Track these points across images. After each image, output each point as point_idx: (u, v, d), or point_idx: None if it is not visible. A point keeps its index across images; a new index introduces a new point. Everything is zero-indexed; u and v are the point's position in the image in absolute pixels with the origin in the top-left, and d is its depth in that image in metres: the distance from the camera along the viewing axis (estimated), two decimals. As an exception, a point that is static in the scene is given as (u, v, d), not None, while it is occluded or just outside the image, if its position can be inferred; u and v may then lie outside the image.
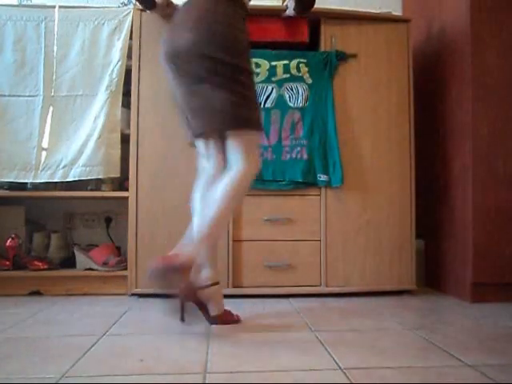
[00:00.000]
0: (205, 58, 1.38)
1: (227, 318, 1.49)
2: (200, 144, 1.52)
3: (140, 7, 1.92)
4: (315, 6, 1.80)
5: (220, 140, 1.48)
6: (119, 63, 1.99)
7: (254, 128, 1.45)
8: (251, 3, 1.83)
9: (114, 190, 2.07)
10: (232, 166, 1.44)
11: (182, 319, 1.35)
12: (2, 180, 1.98)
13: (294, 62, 1.95)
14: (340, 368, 1.06)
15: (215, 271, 1.49)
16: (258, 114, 1.47)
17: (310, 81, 1.95)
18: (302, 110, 1.95)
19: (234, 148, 1.43)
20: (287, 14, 1.90)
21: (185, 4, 1.49)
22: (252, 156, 1.44)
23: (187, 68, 1.41)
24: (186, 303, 1.35)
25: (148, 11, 1.86)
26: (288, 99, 1.95)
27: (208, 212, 1.40)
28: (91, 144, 1.94)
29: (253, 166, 1.44)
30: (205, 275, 1.46)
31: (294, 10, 1.85)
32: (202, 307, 1.45)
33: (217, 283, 1.48)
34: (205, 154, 1.53)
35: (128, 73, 1.98)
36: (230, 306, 1.75)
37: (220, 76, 1.38)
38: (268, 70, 1.94)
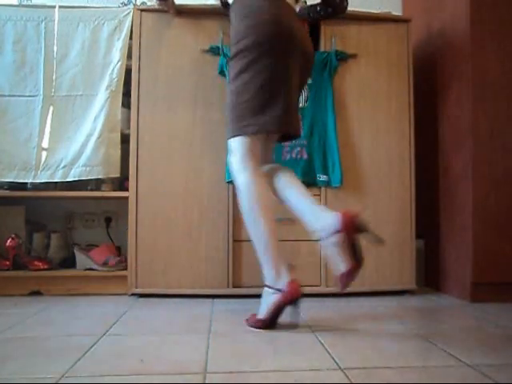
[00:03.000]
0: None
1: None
2: (262, 139, 1.52)
3: (140, 7, 1.92)
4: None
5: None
6: (119, 63, 1.99)
7: None
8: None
9: (114, 190, 2.07)
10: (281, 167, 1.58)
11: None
12: (2, 180, 1.98)
13: (294, 62, 1.95)
14: (340, 368, 1.06)
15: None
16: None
17: (309, 81, 1.95)
18: (301, 110, 1.94)
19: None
20: (312, 18, 1.83)
21: None
22: None
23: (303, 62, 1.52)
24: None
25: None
26: (288, 99, 1.94)
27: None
28: (91, 144, 1.94)
29: None
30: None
31: (319, 13, 1.78)
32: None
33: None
34: (260, 150, 1.52)
35: (128, 73, 1.98)
36: (231, 306, 1.76)
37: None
38: (268, 69, 1.94)
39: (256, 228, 1.43)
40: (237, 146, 1.48)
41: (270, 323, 1.40)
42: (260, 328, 1.40)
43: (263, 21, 1.42)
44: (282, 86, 1.45)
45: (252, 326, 1.42)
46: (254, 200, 1.43)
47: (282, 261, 1.40)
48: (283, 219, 1.92)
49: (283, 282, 1.36)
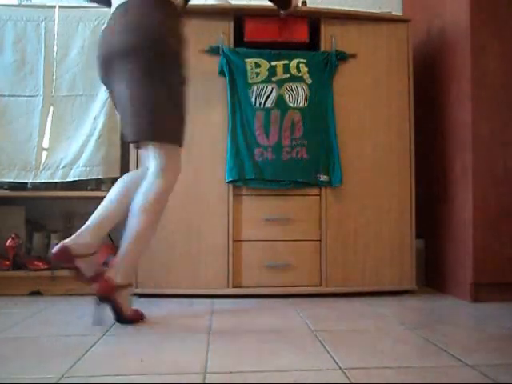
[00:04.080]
0: (136, 62, 1.39)
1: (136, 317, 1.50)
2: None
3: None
4: (315, 5, 1.80)
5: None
6: (119, 63, 1.99)
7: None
8: (252, 3, 1.84)
9: (114, 190, 2.07)
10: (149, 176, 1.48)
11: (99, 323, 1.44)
12: (2, 180, 1.98)
13: (293, 62, 1.95)
14: (340, 368, 1.06)
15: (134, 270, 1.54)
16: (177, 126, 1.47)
17: (309, 81, 1.95)
18: (301, 110, 1.94)
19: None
20: (282, 14, 1.89)
21: (119, 8, 1.45)
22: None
23: (120, 70, 1.42)
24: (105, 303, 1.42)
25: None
26: (288, 99, 1.95)
27: (130, 228, 1.45)
28: (91, 144, 1.94)
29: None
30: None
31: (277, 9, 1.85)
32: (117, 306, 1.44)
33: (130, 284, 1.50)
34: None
35: (128, 73, 1.97)
36: (231, 306, 1.75)
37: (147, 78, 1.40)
38: (268, 69, 1.94)
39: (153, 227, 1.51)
40: None
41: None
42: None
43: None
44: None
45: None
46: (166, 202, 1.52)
47: None
48: (283, 219, 1.93)
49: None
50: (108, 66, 1.45)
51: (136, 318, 1.49)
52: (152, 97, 1.41)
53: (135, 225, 1.44)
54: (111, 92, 1.52)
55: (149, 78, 1.40)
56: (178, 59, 1.46)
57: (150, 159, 1.50)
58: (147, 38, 1.39)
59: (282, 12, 1.88)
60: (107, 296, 1.40)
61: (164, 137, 1.48)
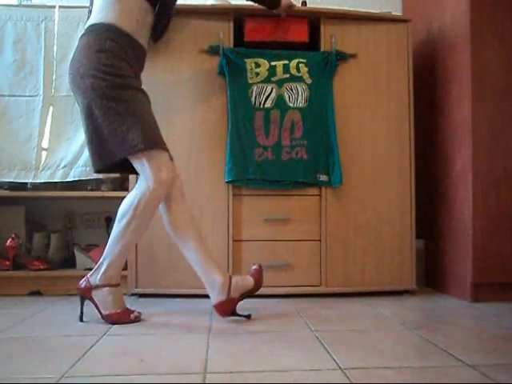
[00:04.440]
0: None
1: (120, 318, 1.51)
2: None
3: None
4: (315, 5, 1.80)
5: None
6: (119, 63, 1.99)
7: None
8: (252, 3, 1.84)
9: (114, 190, 2.07)
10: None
11: (81, 319, 1.52)
12: (2, 180, 1.98)
13: (293, 62, 1.95)
14: (340, 368, 1.06)
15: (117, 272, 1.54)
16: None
17: (309, 81, 1.95)
18: (301, 110, 1.94)
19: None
20: (282, 14, 1.90)
21: None
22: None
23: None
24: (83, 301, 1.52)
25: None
26: (288, 99, 1.95)
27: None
28: (91, 144, 1.94)
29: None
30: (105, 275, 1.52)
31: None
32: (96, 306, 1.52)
33: (117, 285, 1.54)
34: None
35: (128, 73, 1.97)
36: (230, 305, 1.75)
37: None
38: (268, 70, 1.94)
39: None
40: None
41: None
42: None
43: None
44: None
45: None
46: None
47: None
48: (283, 219, 1.93)
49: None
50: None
51: (121, 319, 1.49)
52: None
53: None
54: None
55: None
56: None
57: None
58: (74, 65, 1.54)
59: (282, 12, 1.89)
60: (83, 295, 1.52)
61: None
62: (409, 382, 0.98)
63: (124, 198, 1.92)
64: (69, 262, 2.07)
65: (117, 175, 1.99)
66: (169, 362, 1.11)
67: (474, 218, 1.82)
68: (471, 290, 1.83)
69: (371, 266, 1.95)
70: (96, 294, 1.50)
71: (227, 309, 1.52)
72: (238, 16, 1.96)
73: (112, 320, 1.49)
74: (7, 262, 1.97)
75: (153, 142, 1.48)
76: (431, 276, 2.17)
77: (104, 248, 1.54)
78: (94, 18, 1.52)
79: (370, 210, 1.97)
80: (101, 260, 1.53)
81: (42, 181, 1.95)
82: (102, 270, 1.51)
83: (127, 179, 1.94)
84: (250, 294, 1.55)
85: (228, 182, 1.91)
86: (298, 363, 1.10)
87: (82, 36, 1.54)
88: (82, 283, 1.53)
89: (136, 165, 1.49)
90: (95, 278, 1.51)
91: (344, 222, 1.95)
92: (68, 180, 1.95)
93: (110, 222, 2.33)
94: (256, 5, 1.84)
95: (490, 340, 1.31)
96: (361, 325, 1.47)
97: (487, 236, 1.82)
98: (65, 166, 1.95)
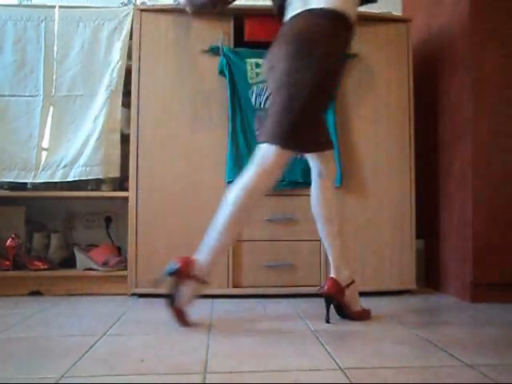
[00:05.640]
0: None
1: (364, 315, 1.54)
2: None
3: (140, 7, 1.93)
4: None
5: None
6: (119, 63, 1.99)
7: None
8: (252, 3, 1.84)
9: (114, 190, 2.07)
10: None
11: (328, 320, 1.48)
12: (2, 180, 1.98)
13: (294, 62, 1.95)
14: (340, 368, 1.06)
15: (349, 271, 1.55)
16: None
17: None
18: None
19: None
20: None
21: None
22: None
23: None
24: (332, 303, 1.49)
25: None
26: (288, 99, 1.94)
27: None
28: (91, 144, 1.94)
29: None
30: (344, 275, 1.52)
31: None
32: (345, 306, 1.51)
33: (353, 282, 1.54)
34: None
35: (128, 73, 1.98)
36: (231, 306, 1.75)
37: None
38: (268, 69, 1.94)
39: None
40: None
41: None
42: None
43: None
44: None
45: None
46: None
47: None
48: (283, 219, 1.93)
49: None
50: None
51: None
52: None
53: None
54: None
55: None
56: None
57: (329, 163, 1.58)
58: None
59: None
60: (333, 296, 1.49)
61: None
62: (409, 381, 0.98)
63: (124, 197, 1.94)
64: (69, 262, 2.07)
65: (117, 175, 1.99)
66: (169, 362, 1.11)
67: (474, 218, 1.82)
68: (471, 290, 1.83)
69: (371, 265, 1.95)
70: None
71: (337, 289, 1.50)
72: (238, 16, 1.96)
73: (361, 318, 1.52)
74: (7, 262, 1.97)
75: None
76: (431, 276, 2.17)
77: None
78: None
79: (370, 210, 1.97)
80: (336, 263, 1.53)
81: (42, 181, 1.95)
82: (341, 270, 1.52)
83: (127, 179, 1.94)
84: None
85: (228, 183, 1.90)
86: (298, 363, 1.10)
87: None
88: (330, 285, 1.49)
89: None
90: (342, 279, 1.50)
91: (344, 222, 1.95)
92: (68, 180, 1.94)
93: (109, 222, 2.33)
94: (259, 4, 1.83)
95: (490, 340, 1.31)
96: (361, 325, 1.47)
97: (487, 236, 1.82)
98: (65, 166, 1.94)
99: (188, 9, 1.81)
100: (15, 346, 1.24)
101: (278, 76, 1.45)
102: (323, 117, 1.59)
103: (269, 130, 1.44)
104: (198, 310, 1.67)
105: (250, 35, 1.95)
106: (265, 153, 1.42)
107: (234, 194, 1.44)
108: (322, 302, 1.82)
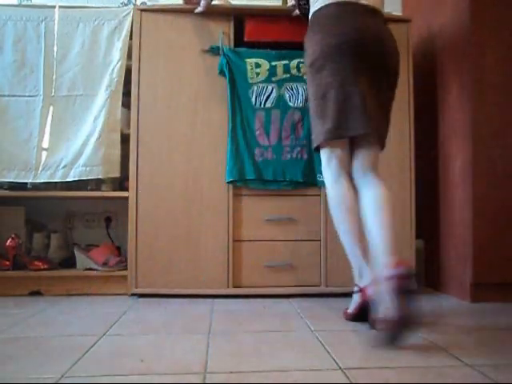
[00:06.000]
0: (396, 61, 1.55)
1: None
2: (339, 145, 1.54)
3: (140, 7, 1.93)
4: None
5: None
6: (119, 63, 1.99)
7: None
8: (252, 3, 1.84)
9: (114, 190, 2.07)
10: (375, 177, 1.55)
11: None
12: (2, 180, 1.98)
13: (294, 62, 1.95)
14: (340, 368, 1.06)
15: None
16: None
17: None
18: (302, 109, 1.94)
19: (373, 159, 1.58)
20: (296, 13, 1.87)
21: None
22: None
23: (381, 61, 1.50)
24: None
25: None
26: (288, 99, 1.95)
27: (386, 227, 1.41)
28: (91, 144, 1.94)
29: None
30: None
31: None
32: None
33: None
34: (340, 157, 1.55)
35: (128, 73, 1.98)
36: (231, 306, 1.76)
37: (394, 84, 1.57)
38: (268, 69, 1.94)
39: (340, 229, 1.53)
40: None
41: (355, 318, 1.49)
42: (346, 319, 1.53)
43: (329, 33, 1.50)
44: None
45: (344, 316, 1.54)
46: (336, 202, 1.54)
47: (366, 261, 1.45)
48: (283, 219, 1.93)
49: (364, 282, 1.44)
50: (369, 58, 1.48)
51: None
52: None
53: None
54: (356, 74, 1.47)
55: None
56: None
57: (366, 164, 1.57)
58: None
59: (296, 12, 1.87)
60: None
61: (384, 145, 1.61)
62: (409, 381, 0.98)
63: (124, 197, 1.94)
64: (69, 262, 2.07)
65: (117, 175, 1.99)
66: (169, 362, 1.11)
67: (474, 218, 1.82)
68: (471, 290, 1.83)
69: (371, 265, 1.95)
70: None
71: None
72: (238, 16, 1.96)
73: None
74: (7, 262, 1.97)
75: None
76: (431, 276, 2.17)
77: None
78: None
79: (370, 210, 1.96)
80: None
81: (42, 181, 1.95)
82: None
83: (127, 179, 1.94)
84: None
85: (228, 182, 1.91)
86: (298, 363, 1.10)
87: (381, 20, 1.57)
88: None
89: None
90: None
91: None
92: (68, 180, 1.94)
93: (109, 222, 2.33)
94: (259, 4, 1.84)
95: (490, 340, 1.31)
96: (361, 325, 1.47)
97: (487, 236, 1.82)
98: (65, 166, 1.94)
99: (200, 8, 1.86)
100: (15, 346, 1.24)
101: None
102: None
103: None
104: (198, 310, 1.68)
105: (249, 35, 1.95)
106: None
107: None
108: (321, 301, 1.82)
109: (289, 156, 1.93)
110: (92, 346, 1.23)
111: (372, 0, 1.54)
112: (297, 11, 1.86)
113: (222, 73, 1.93)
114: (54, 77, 2.01)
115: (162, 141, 1.93)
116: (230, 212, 1.91)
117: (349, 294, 1.89)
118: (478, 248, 1.81)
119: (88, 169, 1.93)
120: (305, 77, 1.95)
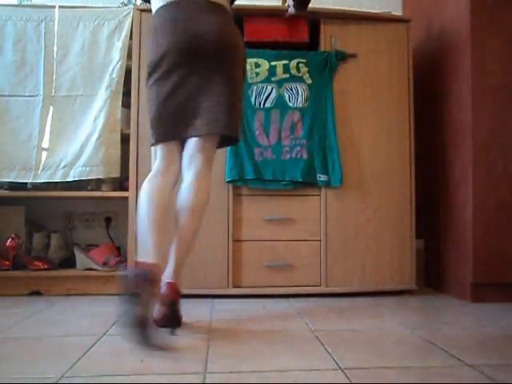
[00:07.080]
0: (229, 56, 1.44)
1: None
2: (167, 146, 1.47)
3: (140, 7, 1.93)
4: (315, 5, 1.80)
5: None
6: (119, 63, 1.99)
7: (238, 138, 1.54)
8: (252, 3, 1.84)
9: (114, 190, 2.07)
10: (197, 175, 1.48)
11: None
12: (2, 180, 1.98)
13: (293, 62, 1.95)
14: (340, 368, 1.06)
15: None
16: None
17: (309, 81, 1.95)
18: (301, 109, 1.95)
19: (203, 154, 1.48)
20: (290, 13, 1.88)
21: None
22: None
23: (207, 62, 1.41)
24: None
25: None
26: (288, 99, 1.95)
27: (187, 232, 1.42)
28: (91, 144, 1.94)
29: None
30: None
31: (293, 7, 1.83)
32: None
33: None
34: (167, 157, 1.47)
35: (128, 73, 1.98)
36: (231, 306, 1.76)
37: (234, 79, 1.45)
38: (268, 69, 1.94)
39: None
40: None
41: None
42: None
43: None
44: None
45: None
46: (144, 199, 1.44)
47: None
48: (283, 219, 1.93)
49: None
50: (195, 55, 1.41)
51: None
52: (240, 97, 1.51)
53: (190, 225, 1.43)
54: (184, 77, 1.42)
55: (242, 80, 1.52)
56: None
57: (197, 158, 1.50)
58: (240, 44, 1.50)
59: (291, 12, 1.87)
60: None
61: (238, 137, 1.54)
62: (409, 382, 0.98)
63: (124, 197, 1.94)
64: (69, 262, 2.07)
65: (117, 175, 1.99)
66: (169, 362, 1.11)
67: (474, 218, 1.82)
68: (471, 290, 1.83)
69: (371, 265, 1.95)
70: None
71: None
72: (238, 16, 1.96)
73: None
74: (7, 262, 1.97)
75: None
76: (431, 276, 2.17)
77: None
78: None
79: (370, 210, 1.96)
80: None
81: (42, 181, 1.95)
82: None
83: (127, 179, 1.94)
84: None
85: (228, 182, 1.91)
86: (298, 363, 1.10)
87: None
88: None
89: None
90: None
91: (344, 221, 1.95)
92: (68, 180, 1.94)
93: (109, 222, 2.33)
94: (259, 4, 1.84)
95: (490, 340, 1.31)
96: (361, 325, 1.47)
97: (487, 236, 1.82)
98: (65, 166, 1.94)
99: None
100: (15, 346, 1.24)
101: None
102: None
103: None
104: (198, 310, 1.68)
105: (249, 35, 1.95)
106: None
107: None
108: (321, 301, 1.83)
109: (288, 156, 1.93)
110: (92, 346, 1.23)
111: None
112: (290, 11, 1.87)
113: (221, 73, 1.93)
114: (54, 77, 2.01)
115: (162, 141, 1.92)
116: (229, 212, 1.91)
117: (349, 294, 1.90)
118: (478, 248, 1.81)
119: (88, 169, 1.94)
120: (305, 77, 1.96)
